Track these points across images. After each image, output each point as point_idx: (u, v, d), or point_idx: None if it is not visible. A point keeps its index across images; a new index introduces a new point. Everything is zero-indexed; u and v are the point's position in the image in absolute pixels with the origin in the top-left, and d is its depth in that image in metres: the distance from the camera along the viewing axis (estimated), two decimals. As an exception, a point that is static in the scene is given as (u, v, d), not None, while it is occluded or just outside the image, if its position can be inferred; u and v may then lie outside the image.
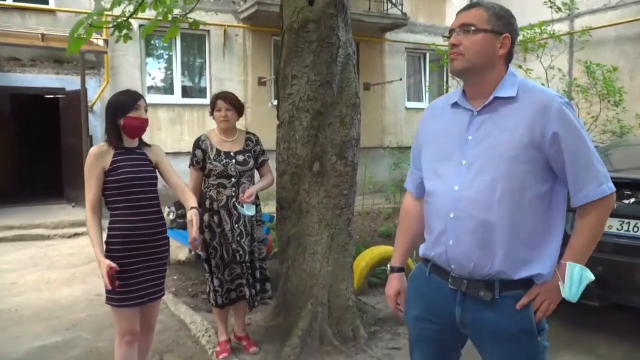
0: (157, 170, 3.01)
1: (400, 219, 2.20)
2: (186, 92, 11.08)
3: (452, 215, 1.83)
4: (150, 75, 10.89)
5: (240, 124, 11.15)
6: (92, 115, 10.02)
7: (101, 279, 5.53)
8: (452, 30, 1.85)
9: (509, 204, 1.74)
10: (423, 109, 13.23)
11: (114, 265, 2.67)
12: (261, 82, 11.28)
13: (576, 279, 1.73)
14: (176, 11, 5.19)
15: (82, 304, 4.95)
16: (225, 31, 10.84)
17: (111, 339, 4.11)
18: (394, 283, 2.13)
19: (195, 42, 11.05)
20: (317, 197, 3.91)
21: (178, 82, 10.91)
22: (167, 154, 10.45)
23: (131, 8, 4.99)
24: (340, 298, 4.01)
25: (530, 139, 1.73)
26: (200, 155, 3.60)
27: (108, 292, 2.81)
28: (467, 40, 1.80)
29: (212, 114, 3.72)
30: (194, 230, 2.82)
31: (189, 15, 5.36)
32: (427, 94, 13.45)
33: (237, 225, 3.58)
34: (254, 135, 3.83)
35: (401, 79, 12.65)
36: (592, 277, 1.75)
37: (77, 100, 9.49)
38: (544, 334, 1.83)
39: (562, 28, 10.67)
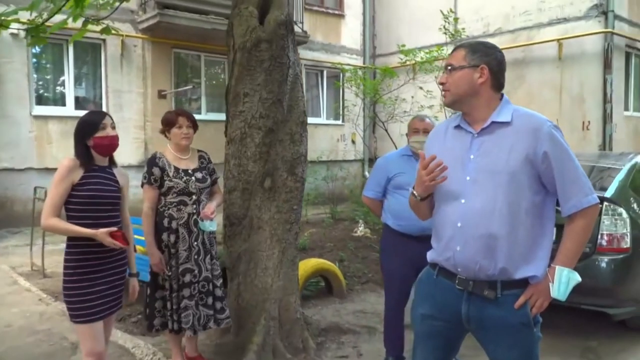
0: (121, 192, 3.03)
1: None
2: (79, 104, 10.46)
3: (459, 224, 2.09)
4: (39, 84, 10.16)
5: (140, 138, 10.76)
6: (-27, 127, 9.15)
7: (6, 310, 5.15)
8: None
9: (508, 213, 2.03)
10: (321, 124, 13.75)
11: (99, 231, 2.72)
12: (161, 95, 10.96)
13: (564, 281, 2.02)
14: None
15: (-4, 336, 4.54)
16: (122, 41, 10.42)
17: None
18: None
19: (88, 51, 10.49)
20: (268, 212, 3.98)
21: (70, 92, 10.27)
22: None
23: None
24: (289, 311, 4.10)
25: (525, 157, 2.02)
26: (157, 172, 3.52)
27: (71, 308, 2.81)
28: (450, 78, 2.15)
29: (166, 130, 3.64)
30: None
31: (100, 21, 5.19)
32: (325, 109, 13.89)
33: (195, 243, 3.55)
34: (205, 153, 3.82)
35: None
36: (579, 279, 2.04)
37: (-45, 110, 8.62)
38: (538, 325, 2.12)
39: (448, 52, 11.62)
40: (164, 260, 3.50)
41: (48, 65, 10.40)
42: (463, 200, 2.09)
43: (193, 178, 3.56)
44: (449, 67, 2.15)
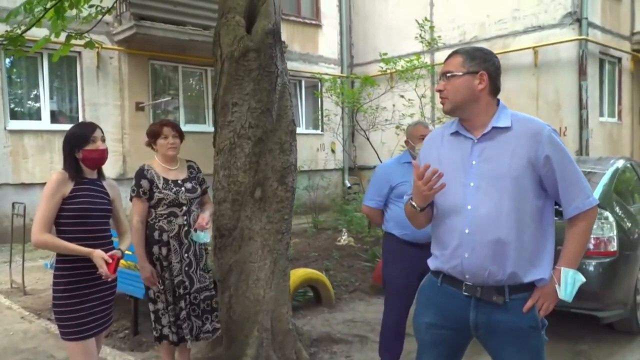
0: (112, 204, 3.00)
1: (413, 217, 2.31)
2: (55, 117, 10.27)
3: (466, 231, 2.07)
4: (13, 98, 9.95)
5: (118, 151, 10.57)
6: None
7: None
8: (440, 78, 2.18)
9: (515, 218, 2.02)
10: (300, 134, 13.63)
11: (103, 254, 2.68)
12: (139, 107, 10.83)
13: (570, 282, 2.04)
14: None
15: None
16: (98, 53, 10.25)
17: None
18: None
19: (64, 64, 10.30)
20: (259, 223, 3.93)
21: (46, 106, 10.08)
22: (36, 184, 9.68)
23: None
24: (281, 322, 4.05)
25: (528, 161, 2.03)
26: (146, 185, 3.44)
27: (63, 326, 2.76)
28: (449, 85, 2.12)
29: (152, 142, 3.57)
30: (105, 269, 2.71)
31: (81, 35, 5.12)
32: (304, 119, 13.88)
33: (186, 255, 3.48)
34: (194, 162, 3.77)
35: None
36: (584, 279, 2.06)
37: None
38: (544, 329, 2.13)
39: (426, 60, 11.72)
40: (155, 273, 3.42)
41: (22, 79, 10.20)
42: (469, 207, 2.07)
43: (183, 189, 3.50)
44: (448, 74, 2.13)
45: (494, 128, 2.10)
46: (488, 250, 2.03)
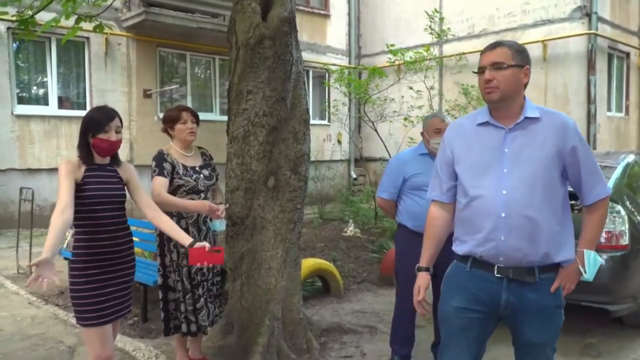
0: (126, 188, 2.93)
1: (427, 226, 2.49)
2: (62, 103, 10.26)
3: (503, 215, 2.16)
4: (21, 83, 9.93)
5: (125, 138, 10.55)
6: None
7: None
8: (481, 68, 2.21)
9: (546, 203, 2.16)
10: (306, 124, 13.66)
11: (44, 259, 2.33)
12: (146, 94, 10.81)
13: (592, 262, 2.21)
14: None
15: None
16: (106, 39, 10.24)
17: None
18: (423, 278, 2.48)
19: (71, 50, 10.28)
20: (272, 211, 3.93)
21: (54, 91, 10.07)
22: (42, 170, 9.67)
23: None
24: (292, 311, 4.05)
25: (556, 150, 2.16)
26: (169, 168, 3.39)
27: (78, 311, 2.74)
28: (499, 75, 2.17)
29: (169, 128, 3.55)
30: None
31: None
32: (310, 109, 13.84)
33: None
34: (206, 149, 3.76)
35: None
36: (602, 261, 2.26)
37: None
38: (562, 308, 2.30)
39: (434, 52, 11.66)
40: (222, 208, 3.41)
41: (30, 64, 10.17)
42: (504, 192, 2.17)
43: (201, 176, 3.50)
44: (498, 65, 2.17)
45: (526, 118, 2.21)
46: (524, 232, 2.14)
